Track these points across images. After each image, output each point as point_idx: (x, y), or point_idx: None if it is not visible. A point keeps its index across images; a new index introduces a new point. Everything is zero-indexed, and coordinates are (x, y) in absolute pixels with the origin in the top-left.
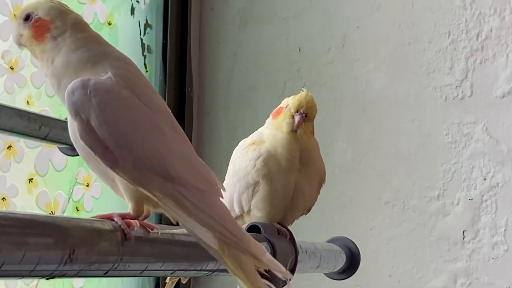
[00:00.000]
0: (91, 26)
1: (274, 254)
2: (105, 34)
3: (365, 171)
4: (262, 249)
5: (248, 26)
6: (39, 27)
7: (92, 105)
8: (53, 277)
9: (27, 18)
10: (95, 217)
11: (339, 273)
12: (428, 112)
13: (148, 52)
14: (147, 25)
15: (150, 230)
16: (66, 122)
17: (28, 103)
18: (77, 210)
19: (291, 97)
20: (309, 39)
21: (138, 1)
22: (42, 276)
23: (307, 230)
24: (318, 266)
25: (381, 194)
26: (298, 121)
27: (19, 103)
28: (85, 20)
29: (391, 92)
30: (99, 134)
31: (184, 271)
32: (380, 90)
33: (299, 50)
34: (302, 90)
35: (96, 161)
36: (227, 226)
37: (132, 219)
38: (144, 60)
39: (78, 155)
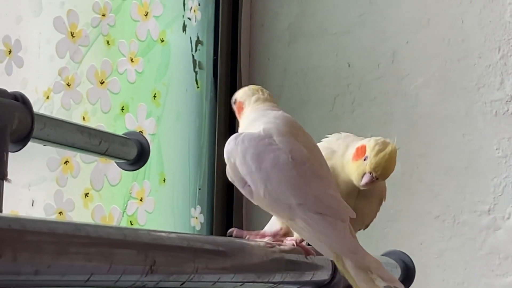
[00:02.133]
0: (144, 43)
1: (334, 267)
2: (158, 50)
3: (415, 185)
4: (376, 263)
5: (297, 42)
6: (238, 107)
7: (238, 152)
8: None
9: (234, 101)
10: (251, 236)
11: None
12: (478, 127)
13: (199, 68)
14: (198, 42)
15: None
16: (124, 138)
17: (84, 119)
18: (131, 224)
19: (373, 148)
20: (358, 54)
21: (189, 18)
22: (125, 287)
23: None
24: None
25: (431, 208)
26: (366, 183)
27: (75, 119)
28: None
29: (441, 107)
30: (241, 173)
31: (252, 283)
32: (430, 105)
33: (349, 65)
34: (388, 142)
35: None
36: (341, 243)
37: (281, 235)
38: (196, 76)
39: (134, 170)
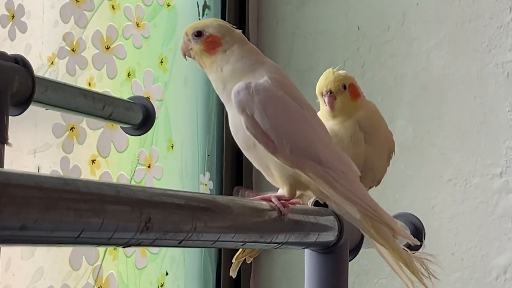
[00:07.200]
0: (150, 8)
1: (341, 228)
2: (164, 15)
3: (426, 149)
4: (394, 220)
5: (306, 6)
6: (211, 42)
7: (255, 103)
8: (129, 246)
9: (199, 34)
10: (255, 198)
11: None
12: (490, 89)
13: None
14: (205, 6)
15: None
16: (129, 102)
17: (89, 84)
18: None
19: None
20: (368, 17)
21: None
22: (119, 244)
23: None
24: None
25: (443, 172)
26: (329, 102)
27: (81, 85)
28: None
29: (452, 69)
30: (262, 127)
31: (254, 243)
32: (441, 68)
33: (358, 28)
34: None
35: (254, 150)
36: (365, 201)
37: (286, 200)
38: None
39: (140, 135)
